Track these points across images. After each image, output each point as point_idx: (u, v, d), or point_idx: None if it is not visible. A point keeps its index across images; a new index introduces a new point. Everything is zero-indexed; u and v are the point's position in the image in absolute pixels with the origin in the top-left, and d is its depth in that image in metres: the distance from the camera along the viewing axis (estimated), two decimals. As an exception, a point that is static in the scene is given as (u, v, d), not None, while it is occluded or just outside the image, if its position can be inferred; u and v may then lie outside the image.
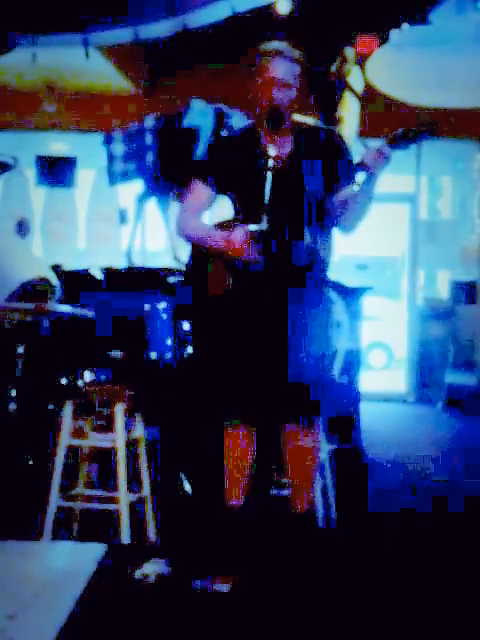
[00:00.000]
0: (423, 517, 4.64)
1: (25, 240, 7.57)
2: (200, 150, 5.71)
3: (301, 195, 3.49)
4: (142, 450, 3.96)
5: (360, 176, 3.46)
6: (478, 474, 5.75)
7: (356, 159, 3.49)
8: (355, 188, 3.48)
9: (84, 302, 4.62)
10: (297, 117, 3.58)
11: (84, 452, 4.03)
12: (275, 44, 3.48)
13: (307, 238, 3.50)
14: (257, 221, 3.39)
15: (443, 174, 11.67)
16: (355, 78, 7.63)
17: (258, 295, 3.50)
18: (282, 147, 3.50)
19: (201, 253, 3.63)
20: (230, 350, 3.56)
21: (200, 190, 3.61)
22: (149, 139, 6.09)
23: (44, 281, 4.45)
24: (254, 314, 3.51)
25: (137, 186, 6.32)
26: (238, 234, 3.42)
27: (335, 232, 3.66)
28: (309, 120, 3.64)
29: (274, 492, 4.12)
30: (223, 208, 3.73)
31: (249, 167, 3.48)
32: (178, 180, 6.02)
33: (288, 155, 3.52)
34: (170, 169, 6.01)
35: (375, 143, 3.43)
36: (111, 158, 6.30)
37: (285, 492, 3.93)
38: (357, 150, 3.74)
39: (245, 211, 3.51)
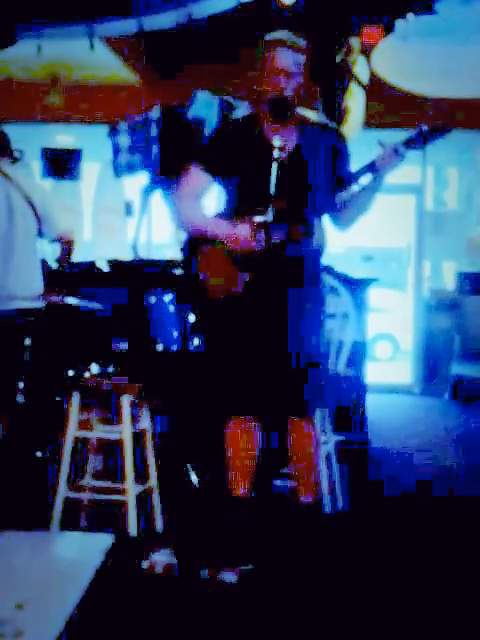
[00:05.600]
0: (428, 507, 4.64)
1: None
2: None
3: (305, 187, 3.49)
4: (149, 441, 3.97)
5: (368, 176, 3.47)
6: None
7: (366, 154, 3.50)
8: (356, 187, 3.49)
9: (90, 294, 4.62)
10: (300, 111, 3.58)
11: (91, 444, 4.04)
12: (278, 34, 3.48)
13: (310, 229, 3.50)
14: (261, 212, 3.39)
15: (449, 165, 11.63)
16: (361, 68, 7.61)
17: (262, 287, 3.50)
18: (287, 138, 3.50)
19: (198, 242, 3.62)
20: (235, 341, 3.56)
21: (198, 176, 3.60)
22: (154, 131, 6.08)
23: None
24: (258, 305, 3.51)
25: (142, 178, 6.32)
26: (243, 228, 3.42)
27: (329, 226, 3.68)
28: (311, 114, 3.64)
29: (280, 483, 4.13)
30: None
31: (252, 157, 3.47)
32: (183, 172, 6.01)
33: (293, 148, 3.52)
34: (175, 161, 6.00)
35: (383, 136, 3.44)
36: (116, 150, 6.29)
37: (291, 483, 3.94)
38: (365, 141, 3.74)
39: (248, 201, 3.50)
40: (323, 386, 3.68)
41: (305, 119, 3.59)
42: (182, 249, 3.78)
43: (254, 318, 3.51)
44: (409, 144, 3.39)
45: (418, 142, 3.40)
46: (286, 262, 3.48)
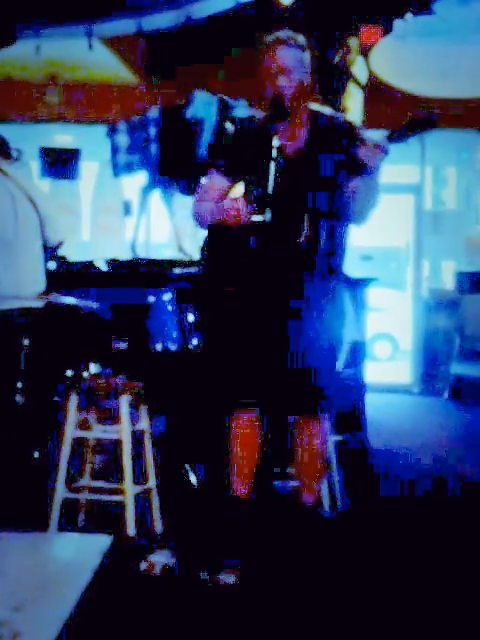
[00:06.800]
0: (428, 507, 4.64)
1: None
2: (204, 141, 5.70)
3: (307, 186, 3.48)
4: (147, 442, 3.96)
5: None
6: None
7: None
8: (353, 183, 3.48)
9: (89, 294, 4.61)
10: (314, 106, 3.56)
11: (90, 444, 4.03)
12: (277, 33, 3.47)
13: (308, 229, 3.49)
14: (259, 212, 3.39)
15: (448, 164, 11.64)
16: (359, 68, 7.61)
17: (264, 286, 3.49)
18: (294, 138, 3.49)
19: (216, 244, 3.62)
20: (239, 341, 3.56)
21: (216, 179, 3.62)
22: (153, 130, 6.07)
23: None
24: (261, 305, 3.51)
25: (141, 178, 6.31)
26: (228, 202, 3.43)
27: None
28: (325, 109, 3.62)
29: (281, 483, 4.12)
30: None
31: (259, 158, 3.46)
32: (182, 171, 6.01)
33: (300, 146, 3.50)
34: (174, 161, 6.00)
35: (371, 134, 3.43)
36: (115, 150, 6.29)
37: (292, 483, 3.94)
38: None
39: (253, 202, 3.49)
40: (330, 385, 3.65)
41: (318, 114, 3.57)
42: (201, 249, 3.77)
43: (262, 316, 3.51)
44: (391, 138, 3.36)
45: (399, 136, 3.36)
46: (287, 261, 3.47)
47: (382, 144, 3.35)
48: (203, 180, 3.67)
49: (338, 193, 3.51)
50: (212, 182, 3.65)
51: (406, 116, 3.39)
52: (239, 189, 3.63)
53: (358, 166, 3.43)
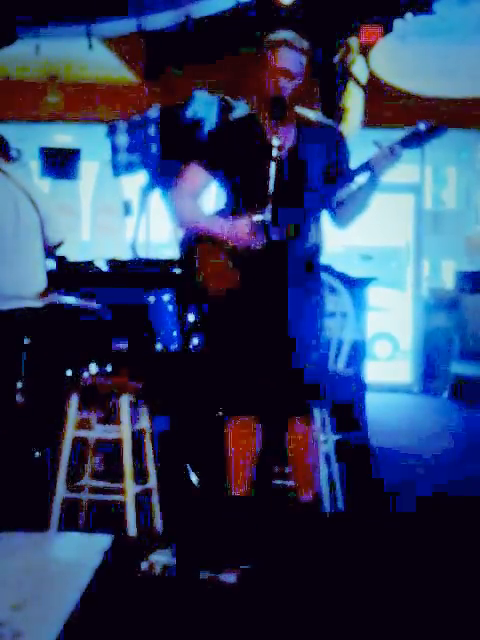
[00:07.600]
0: (427, 506, 4.64)
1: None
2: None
3: (303, 186, 3.49)
4: (148, 441, 3.97)
5: (364, 175, 3.47)
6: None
7: (364, 154, 3.50)
8: (354, 186, 3.49)
9: (89, 294, 4.62)
10: (299, 110, 3.57)
11: (90, 443, 4.03)
12: (281, 34, 3.47)
13: (308, 228, 3.51)
14: (260, 211, 3.39)
15: (448, 164, 11.65)
16: (359, 68, 7.62)
17: (260, 286, 3.49)
18: (285, 138, 3.50)
19: (197, 242, 3.61)
20: (231, 340, 3.56)
21: (197, 173, 3.59)
22: (153, 130, 6.08)
23: None
24: (255, 304, 3.51)
25: (141, 177, 6.32)
26: (242, 223, 3.41)
27: (328, 225, 3.68)
28: (310, 114, 3.63)
29: (279, 482, 4.13)
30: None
31: (252, 156, 3.47)
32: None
33: (291, 146, 3.52)
34: (174, 161, 6.00)
35: (380, 135, 3.44)
36: (115, 149, 6.30)
37: (291, 482, 3.94)
38: (362, 141, 3.73)
39: (246, 200, 3.49)
40: (320, 384, 3.66)
41: (304, 118, 3.59)
42: (180, 247, 3.77)
43: (251, 317, 3.51)
44: (405, 144, 3.39)
45: (414, 142, 3.40)
46: (284, 260, 3.48)
47: (395, 149, 3.37)
48: (185, 173, 3.62)
49: (326, 194, 3.53)
50: (191, 175, 3.61)
51: (414, 118, 3.41)
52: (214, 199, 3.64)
53: (341, 169, 3.49)
